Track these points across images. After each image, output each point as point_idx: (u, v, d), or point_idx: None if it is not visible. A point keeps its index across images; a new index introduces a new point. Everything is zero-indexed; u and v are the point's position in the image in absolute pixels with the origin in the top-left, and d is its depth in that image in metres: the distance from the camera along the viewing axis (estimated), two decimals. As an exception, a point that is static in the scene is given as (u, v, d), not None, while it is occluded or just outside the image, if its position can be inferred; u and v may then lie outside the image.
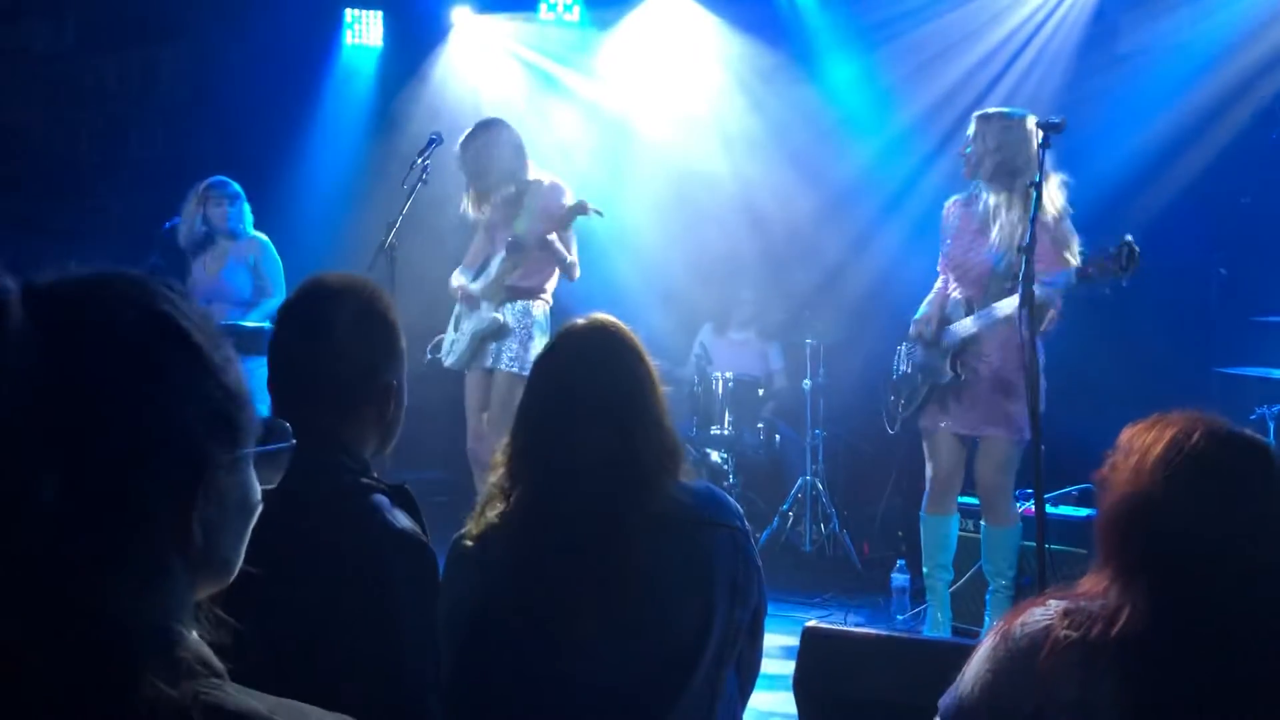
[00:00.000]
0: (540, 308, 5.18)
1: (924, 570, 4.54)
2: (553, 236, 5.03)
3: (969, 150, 4.29)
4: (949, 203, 4.53)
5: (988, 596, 4.42)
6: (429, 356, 5.30)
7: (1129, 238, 3.67)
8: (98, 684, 0.81)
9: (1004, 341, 4.20)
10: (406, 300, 4.81)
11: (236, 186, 5.84)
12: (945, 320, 4.39)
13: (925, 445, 4.51)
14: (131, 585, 0.85)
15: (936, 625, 4.47)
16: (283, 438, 1.05)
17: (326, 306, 1.87)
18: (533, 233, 5.02)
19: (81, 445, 0.84)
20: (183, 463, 0.90)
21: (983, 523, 4.43)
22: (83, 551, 0.83)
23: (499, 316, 5.09)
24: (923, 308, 4.54)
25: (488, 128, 5.21)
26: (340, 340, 1.83)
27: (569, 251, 5.11)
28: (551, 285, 5.24)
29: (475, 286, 5.21)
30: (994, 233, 4.22)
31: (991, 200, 4.25)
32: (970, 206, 4.40)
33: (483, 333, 5.12)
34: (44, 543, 0.81)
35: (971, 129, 4.30)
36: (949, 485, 4.45)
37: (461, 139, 5.21)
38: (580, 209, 4.92)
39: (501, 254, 5.12)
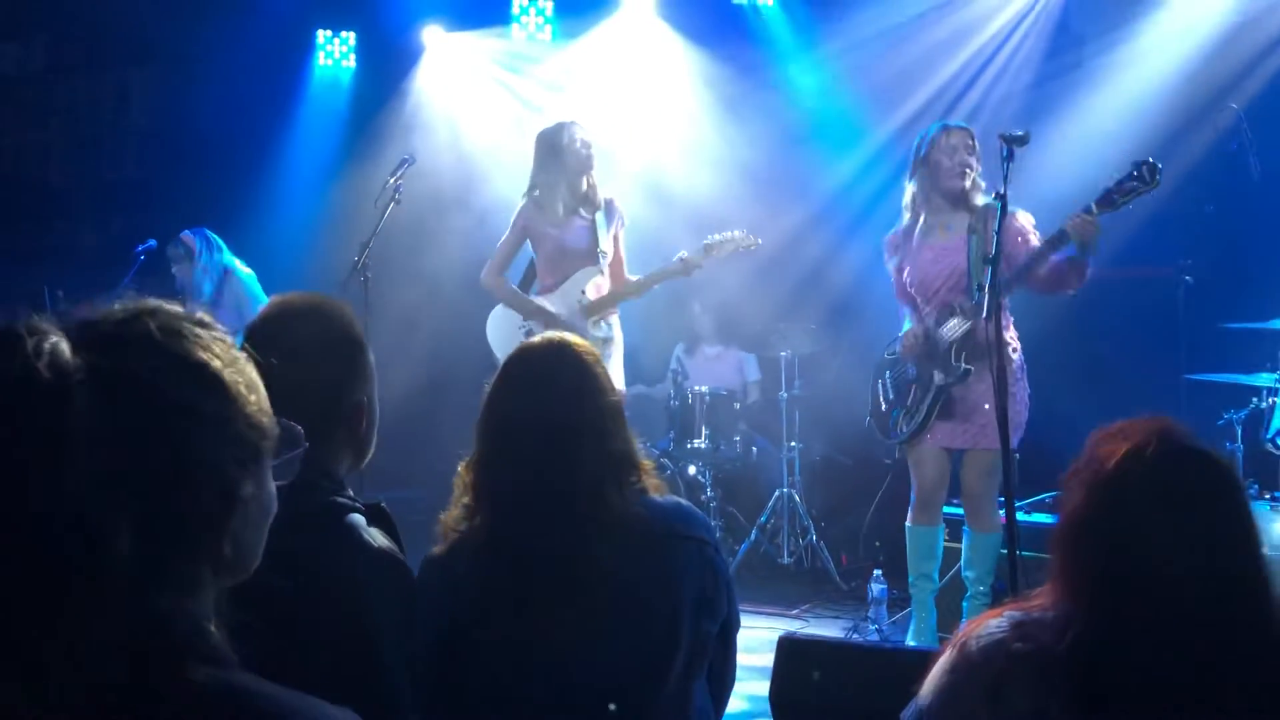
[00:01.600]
0: (617, 318, 5.14)
1: (909, 580, 4.56)
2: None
3: (971, 160, 4.34)
4: (890, 236, 4.58)
5: (964, 603, 4.45)
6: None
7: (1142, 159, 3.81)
8: (145, 673, 0.94)
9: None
10: (380, 319, 4.83)
11: (197, 240, 5.83)
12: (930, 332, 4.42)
13: (910, 457, 4.52)
14: (171, 593, 0.98)
15: (920, 634, 4.49)
16: (295, 443, 1.17)
17: (290, 328, 1.86)
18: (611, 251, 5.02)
19: (131, 485, 0.96)
20: (216, 496, 1.02)
21: (966, 529, 4.46)
22: (130, 568, 0.95)
23: (613, 335, 5.01)
24: (907, 326, 4.53)
25: (584, 128, 5.04)
26: (306, 361, 1.81)
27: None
28: None
29: (576, 302, 4.99)
30: (961, 236, 4.34)
31: (954, 212, 4.38)
32: (911, 227, 4.47)
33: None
34: (97, 560, 0.94)
35: (972, 142, 4.36)
36: (935, 497, 4.48)
37: (569, 130, 4.98)
38: (747, 241, 4.93)
39: (589, 269, 4.97)
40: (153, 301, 1.05)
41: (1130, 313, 6.03)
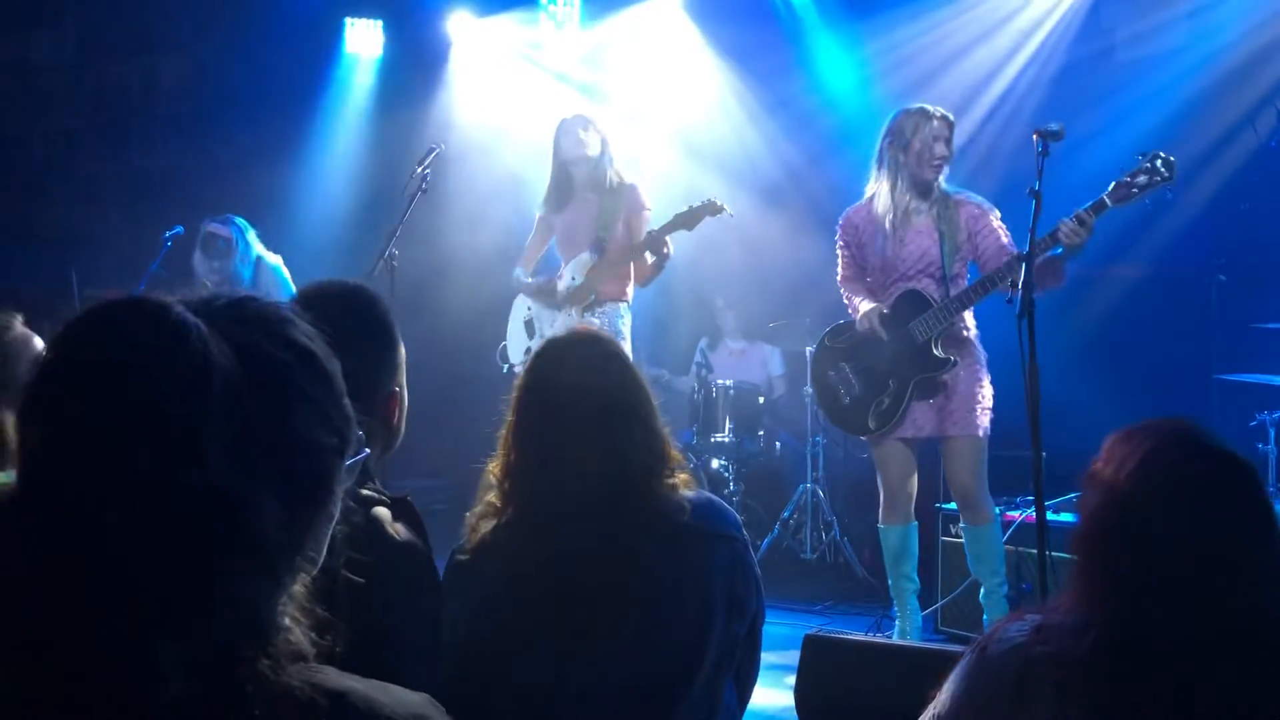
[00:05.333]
0: (627, 313, 5.08)
1: (889, 582, 4.49)
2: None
3: (947, 154, 4.27)
4: (849, 215, 4.46)
5: (981, 598, 4.38)
6: (504, 366, 5.21)
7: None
8: (224, 671, 0.89)
9: (960, 331, 4.30)
10: (407, 309, 4.83)
11: (231, 229, 5.67)
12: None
13: (877, 454, 4.41)
14: (255, 585, 0.93)
15: (905, 635, 4.40)
16: (359, 447, 1.11)
17: (326, 315, 1.82)
18: (616, 236, 4.97)
19: (268, 460, 0.93)
20: (322, 481, 0.99)
21: (963, 525, 4.38)
22: (273, 548, 0.92)
23: (596, 322, 4.93)
24: (866, 309, 4.34)
25: (584, 118, 5.09)
26: (342, 349, 1.79)
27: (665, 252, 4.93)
28: (632, 290, 5.12)
29: (562, 288, 5.05)
30: (928, 223, 4.26)
31: (920, 198, 4.29)
32: (875, 210, 4.35)
33: None
34: (245, 537, 0.90)
35: (950, 132, 4.27)
36: (904, 493, 4.39)
37: (560, 125, 5.07)
38: (712, 209, 4.83)
39: (584, 255, 5.01)
40: (239, 290, 1.04)
41: (1162, 312, 5.96)
